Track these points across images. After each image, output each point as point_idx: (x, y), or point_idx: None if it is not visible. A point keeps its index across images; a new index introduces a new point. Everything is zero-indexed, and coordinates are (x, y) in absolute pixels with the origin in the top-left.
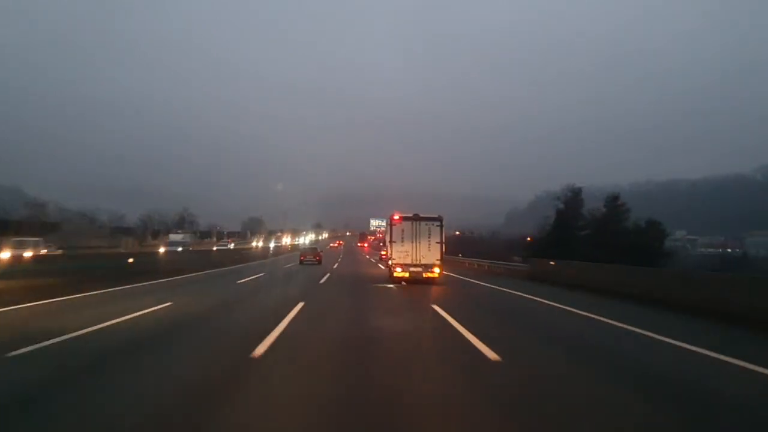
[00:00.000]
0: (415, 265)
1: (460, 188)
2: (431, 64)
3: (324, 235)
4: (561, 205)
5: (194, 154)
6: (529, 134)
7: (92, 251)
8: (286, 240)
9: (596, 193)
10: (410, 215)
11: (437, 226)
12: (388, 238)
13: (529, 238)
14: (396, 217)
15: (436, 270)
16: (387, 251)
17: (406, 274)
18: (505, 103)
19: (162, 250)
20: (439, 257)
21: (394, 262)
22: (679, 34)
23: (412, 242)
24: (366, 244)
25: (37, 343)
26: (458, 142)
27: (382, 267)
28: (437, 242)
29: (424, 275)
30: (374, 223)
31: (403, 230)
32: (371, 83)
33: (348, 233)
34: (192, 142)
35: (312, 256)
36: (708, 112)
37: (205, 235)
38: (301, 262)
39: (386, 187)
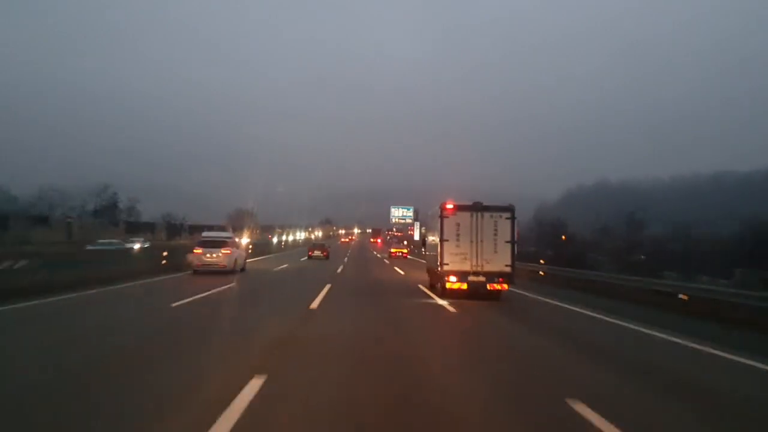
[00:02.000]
0: (476, 273)
1: (479, 185)
2: (449, 55)
3: (318, 233)
4: None
5: (206, 151)
6: (553, 127)
7: None
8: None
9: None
10: (469, 204)
11: (507, 219)
12: (437, 236)
13: (563, 237)
14: (449, 206)
15: (505, 280)
16: (438, 253)
17: (464, 285)
18: (524, 96)
19: None
20: (509, 262)
21: (448, 269)
22: (685, 20)
23: (472, 241)
24: (379, 241)
25: None
26: (473, 137)
27: (386, 260)
28: (507, 241)
29: (488, 287)
30: (396, 213)
31: (458, 224)
32: (387, 75)
33: (360, 230)
34: (205, 140)
35: (320, 252)
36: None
37: (146, 228)
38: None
39: (399, 184)
